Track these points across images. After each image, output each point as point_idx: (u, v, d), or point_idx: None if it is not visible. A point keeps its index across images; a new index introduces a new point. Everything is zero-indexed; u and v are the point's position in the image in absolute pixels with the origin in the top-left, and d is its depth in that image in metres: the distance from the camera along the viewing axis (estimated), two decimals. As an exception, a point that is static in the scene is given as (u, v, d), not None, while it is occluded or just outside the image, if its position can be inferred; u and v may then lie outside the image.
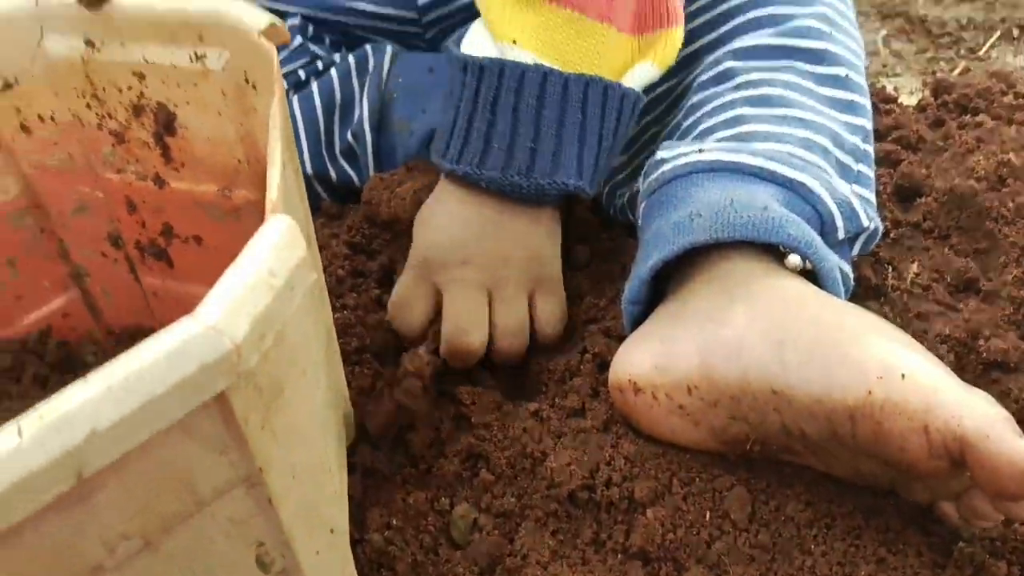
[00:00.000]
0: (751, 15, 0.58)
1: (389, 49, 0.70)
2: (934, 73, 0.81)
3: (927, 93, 0.75)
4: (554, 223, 0.55)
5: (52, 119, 0.50)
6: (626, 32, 0.52)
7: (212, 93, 0.44)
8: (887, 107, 0.72)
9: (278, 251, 0.27)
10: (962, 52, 0.85)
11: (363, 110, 0.69)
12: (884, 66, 0.83)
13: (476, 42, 0.53)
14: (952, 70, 0.82)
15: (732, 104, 0.55)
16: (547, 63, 0.50)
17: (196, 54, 0.44)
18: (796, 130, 0.53)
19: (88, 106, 0.49)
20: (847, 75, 0.55)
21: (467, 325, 0.53)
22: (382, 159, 0.70)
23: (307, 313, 0.29)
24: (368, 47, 0.70)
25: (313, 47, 0.71)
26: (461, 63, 0.52)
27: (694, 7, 0.60)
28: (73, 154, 0.51)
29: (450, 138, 0.53)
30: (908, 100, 0.76)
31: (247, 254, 0.26)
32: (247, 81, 0.43)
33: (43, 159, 0.52)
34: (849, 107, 0.55)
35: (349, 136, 0.70)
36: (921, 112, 0.72)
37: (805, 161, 0.51)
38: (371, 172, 0.70)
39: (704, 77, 0.58)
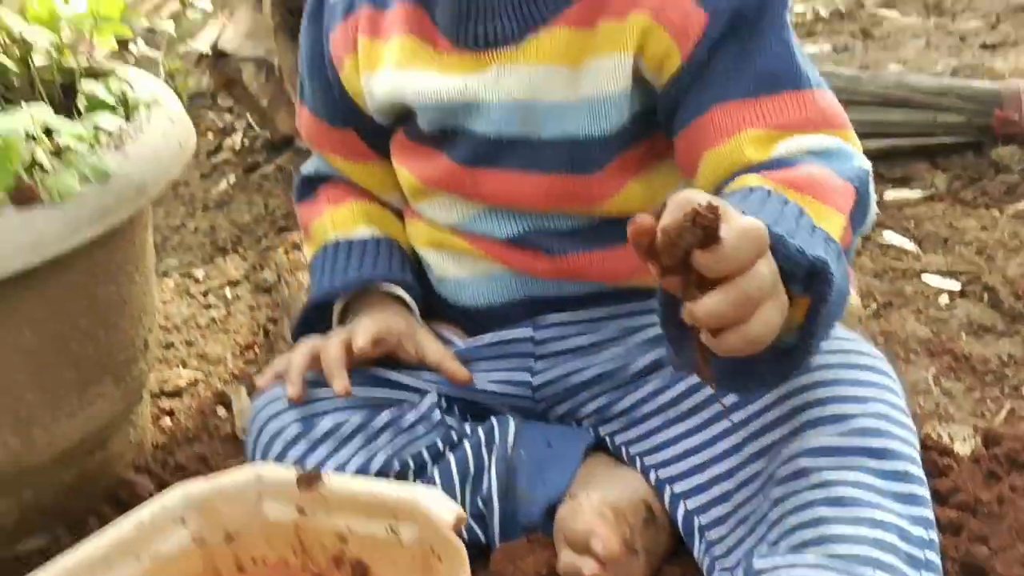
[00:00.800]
0: (816, 414, 0.69)
1: (512, 424, 0.83)
2: (983, 415, 0.92)
3: (978, 441, 0.85)
4: None
5: (263, 562, 0.63)
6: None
7: (403, 557, 0.56)
8: (944, 462, 0.82)
9: None
10: (1007, 390, 0.96)
11: (491, 480, 0.81)
12: (936, 405, 0.94)
13: None
14: (999, 411, 0.93)
15: (811, 504, 0.65)
16: None
17: (391, 527, 0.56)
18: (870, 530, 0.63)
19: (295, 553, 0.62)
20: (907, 470, 0.66)
21: None
22: (507, 524, 0.81)
23: None
24: (494, 420, 0.83)
25: (448, 419, 0.83)
26: None
27: (760, 405, 0.72)
28: (279, 589, 0.63)
29: None
30: (962, 448, 0.86)
31: None
32: (433, 552, 0.55)
33: (253, 590, 0.64)
34: (912, 500, 0.65)
35: (479, 502, 0.81)
36: (975, 463, 0.82)
37: (879, 561, 0.61)
38: (497, 536, 0.81)
39: (783, 472, 0.68)
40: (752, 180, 0.64)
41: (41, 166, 0.82)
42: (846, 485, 0.65)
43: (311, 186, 0.96)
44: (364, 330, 0.81)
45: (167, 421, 1.15)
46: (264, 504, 0.62)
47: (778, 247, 0.53)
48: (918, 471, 0.66)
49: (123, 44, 1.27)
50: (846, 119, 0.72)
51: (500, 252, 0.83)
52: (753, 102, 0.70)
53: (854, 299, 1.07)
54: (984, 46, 1.66)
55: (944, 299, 1.11)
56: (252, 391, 1.17)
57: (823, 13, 1.97)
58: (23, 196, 0.78)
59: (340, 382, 0.79)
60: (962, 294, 1.12)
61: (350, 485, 0.59)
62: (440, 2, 0.79)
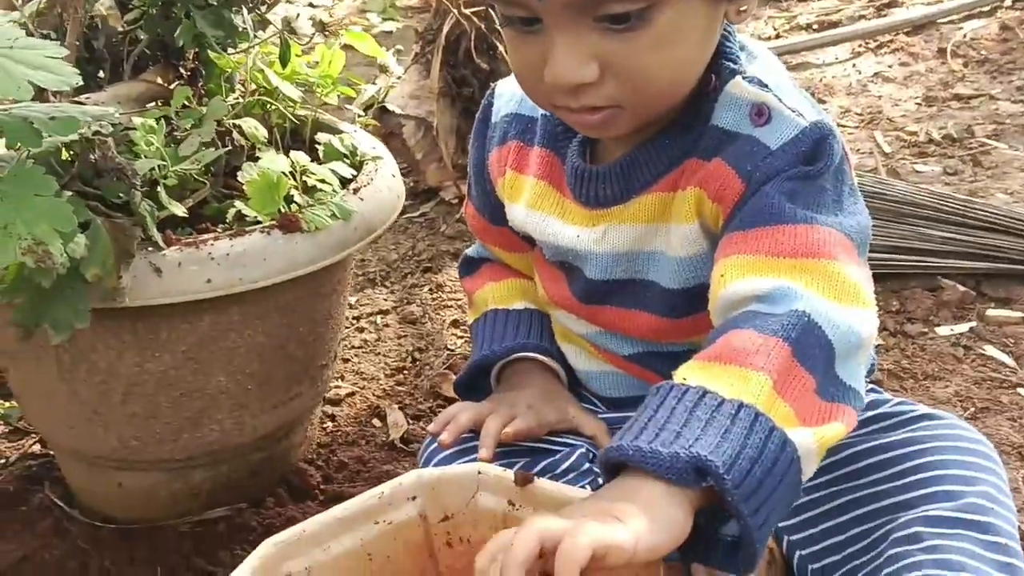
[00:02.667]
0: (931, 489, 0.81)
1: None
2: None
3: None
4: None
5: (468, 541, 0.78)
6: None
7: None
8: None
9: None
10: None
11: None
12: None
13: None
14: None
15: (921, 565, 0.78)
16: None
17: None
18: (972, 592, 0.75)
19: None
20: (1007, 543, 0.78)
21: None
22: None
23: None
24: None
25: (596, 470, 0.91)
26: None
27: (883, 474, 0.85)
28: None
29: None
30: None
31: None
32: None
33: (454, 564, 0.79)
34: (1011, 569, 0.77)
35: None
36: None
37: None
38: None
39: (898, 535, 0.81)
40: (679, 371, 0.69)
41: (295, 201, 1.00)
42: (953, 552, 0.76)
43: (474, 264, 1.07)
44: (522, 421, 0.88)
45: (329, 424, 1.32)
46: (480, 495, 0.77)
47: (644, 458, 0.61)
48: (1017, 546, 0.77)
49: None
50: (840, 254, 0.73)
51: (622, 364, 0.95)
52: (738, 235, 0.76)
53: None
54: (1086, 186, 1.78)
55: (1035, 411, 1.24)
56: (405, 409, 1.33)
57: (936, 136, 2.11)
58: (289, 224, 0.95)
59: (486, 452, 0.87)
60: (1052, 409, 1.24)
61: (558, 488, 0.74)
62: (570, 159, 0.87)
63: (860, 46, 2.74)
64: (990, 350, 1.37)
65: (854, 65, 2.63)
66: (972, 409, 1.24)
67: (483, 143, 0.97)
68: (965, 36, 2.66)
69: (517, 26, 0.76)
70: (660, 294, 0.87)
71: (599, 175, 0.85)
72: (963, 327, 1.41)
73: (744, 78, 0.80)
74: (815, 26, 2.95)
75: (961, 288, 1.48)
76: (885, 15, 2.92)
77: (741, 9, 0.78)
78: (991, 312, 1.44)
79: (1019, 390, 1.27)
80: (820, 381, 0.67)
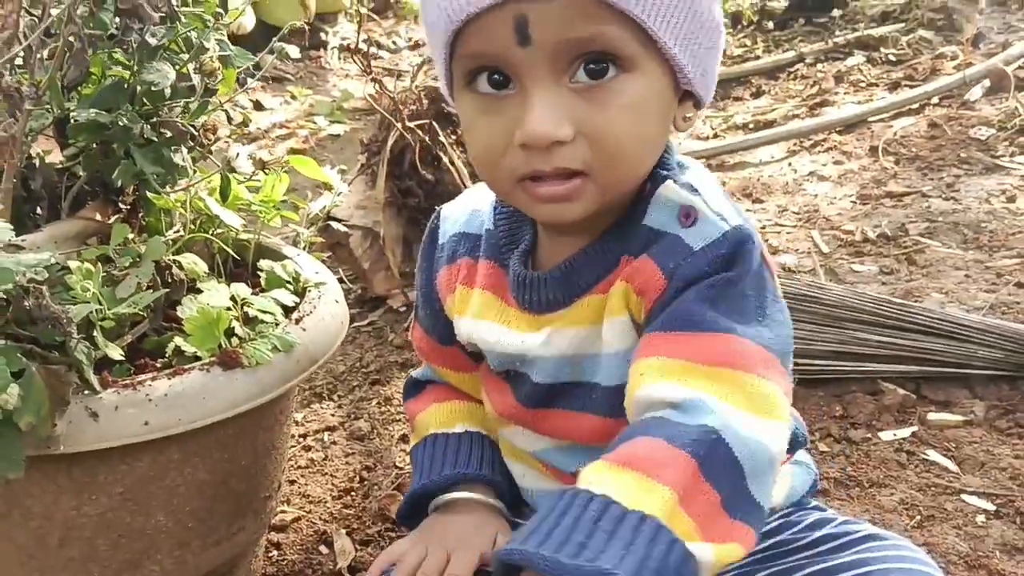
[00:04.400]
0: None
1: None
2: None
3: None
4: None
5: None
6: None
7: None
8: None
9: None
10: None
11: None
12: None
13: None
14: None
15: None
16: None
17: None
18: None
19: None
20: None
21: None
22: None
23: None
24: None
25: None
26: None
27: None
28: None
29: None
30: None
31: None
32: None
33: None
34: None
35: None
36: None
37: None
38: None
39: None
40: (583, 474, 0.69)
41: (236, 334, 0.99)
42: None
43: (419, 387, 1.08)
44: (461, 565, 0.88)
45: (275, 553, 1.29)
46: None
47: (548, 567, 0.62)
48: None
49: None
50: (759, 367, 0.74)
51: (569, 480, 0.92)
52: (658, 336, 0.77)
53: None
54: (1019, 284, 1.84)
55: (981, 518, 1.25)
56: (353, 534, 1.31)
57: (871, 234, 2.16)
58: (229, 360, 0.95)
59: None
60: (997, 515, 1.26)
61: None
62: (513, 269, 0.90)
63: (795, 145, 2.83)
64: (933, 455, 1.38)
65: (790, 164, 2.71)
66: (918, 518, 1.25)
67: (431, 264, 0.99)
68: (895, 134, 2.77)
69: (486, 93, 0.77)
70: (602, 394, 0.87)
71: (541, 281, 0.87)
72: (905, 431, 1.43)
73: (676, 182, 0.83)
74: (751, 125, 3.05)
75: (901, 391, 1.50)
76: (818, 114, 3.03)
77: (687, 116, 0.83)
78: (932, 416, 1.46)
79: (963, 496, 1.29)
80: (726, 497, 0.68)
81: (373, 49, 3.91)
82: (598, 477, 0.68)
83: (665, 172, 0.84)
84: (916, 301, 1.72)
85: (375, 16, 4.83)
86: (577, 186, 0.77)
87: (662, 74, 0.77)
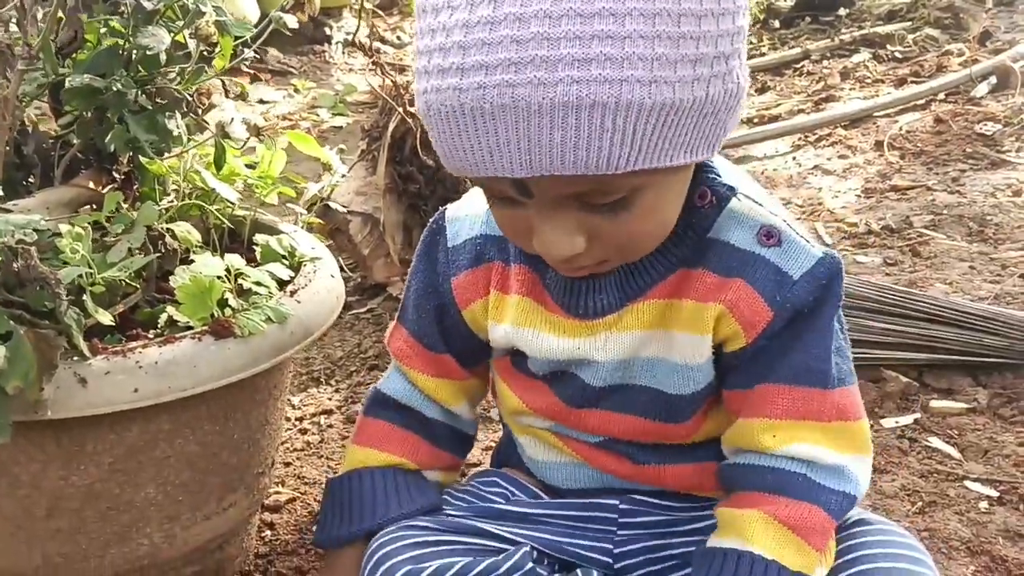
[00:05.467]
0: None
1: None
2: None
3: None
4: None
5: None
6: None
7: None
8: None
9: None
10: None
11: None
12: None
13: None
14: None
15: None
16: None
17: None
18: None
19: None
20: None
21: None
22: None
23: None
24: (579, 572, 0.93)
25: (539, 569, 0.90)
26: None
27: None
28: None
29: None
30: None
31: None
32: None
33: None
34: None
35: None
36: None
37: None
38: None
39: None
40: (750, 523, 0.82)
41: (229, 305, 0.98)
42: None
43: (380, 409, 1.02)
44: None
45: (268, 533, 1.27)
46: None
47: None
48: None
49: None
50: (860, 412, 0.85)
51: (589, 453, 0.95)
52: (786, 390, 0.82)
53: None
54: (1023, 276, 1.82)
55: (984, 504, 1.23)
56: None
57: (875, 227, 2.15)
58: (221, 329, 0.93)
59: None
60: (1000, 501, 1.24)
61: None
62: (551, 276, 0.87)
63: (800, 139, 2.81)
64: (935, 442, 1.37)
65: (794, 158, 2.70)
66: (920, 504, 1.23)
67: (433, 267, 0.95)
68: (901, 129, 2.75)
69: (503, 202, 0.75)
70: (655, 399, 0.88)
71: (593, 287, 0.85)
72: (907, 419, 1.42)
73: (743, 195, 0.83)
74: (756, 120, 3.03)
75: (904, 379, 1.49)
76: (823, 109, 3.02)
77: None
78: (935, 403, 1.44)
79: (965, 483, 1.27)
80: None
81: (377, 44, 3.91)
82: (762, 535, 0.81)
83: (712, 175, 0.82)
84: (920, 291, 1.71)
85: (380, 12, 4.82)
86: (596, 268, 0.79)
87: (674, 171, 0.72)
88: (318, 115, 3.39)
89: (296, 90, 3.72)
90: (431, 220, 0.96)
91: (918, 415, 1.43)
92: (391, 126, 1.92)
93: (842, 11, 4.05)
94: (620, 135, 0.64)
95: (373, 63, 1.78)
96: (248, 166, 1.24)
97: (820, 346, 0.82)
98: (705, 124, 0.69)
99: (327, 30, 4.25)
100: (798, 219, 2.25)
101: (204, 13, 0.93)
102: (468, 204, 0.95)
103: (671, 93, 0.64)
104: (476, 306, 0.93)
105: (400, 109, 1.86)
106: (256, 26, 1.13)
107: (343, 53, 4.22)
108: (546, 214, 0.72)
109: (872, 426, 1.41)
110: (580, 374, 0.89)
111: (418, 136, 1.88)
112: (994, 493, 1.25)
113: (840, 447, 0.83)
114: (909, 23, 3.75)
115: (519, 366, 0.95)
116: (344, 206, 1.93)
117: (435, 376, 0.99)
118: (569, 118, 0.63)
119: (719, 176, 0.82)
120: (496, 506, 0.97)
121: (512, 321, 0.90)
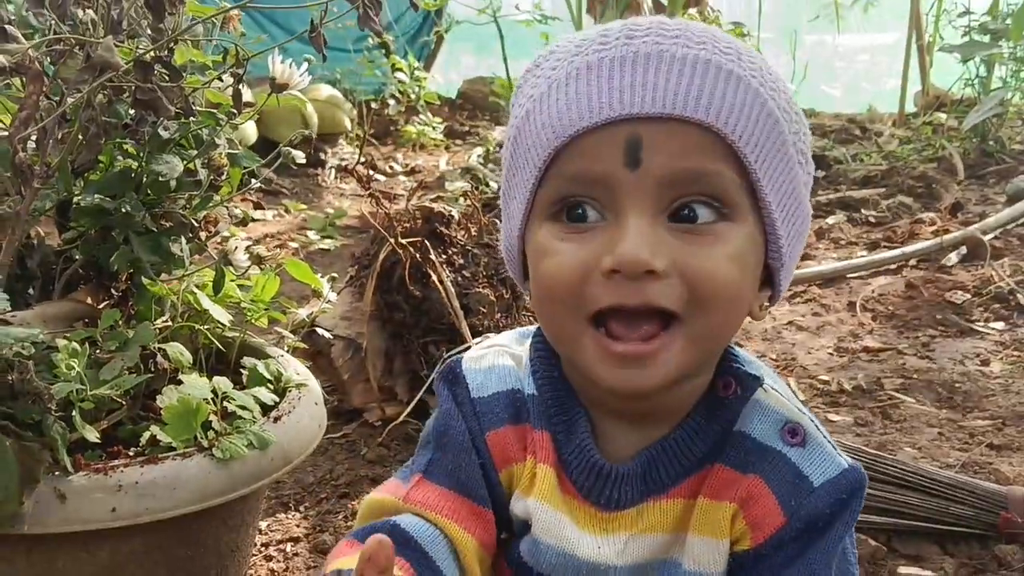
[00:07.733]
0: None
1: None
2: None
3: None
4: None
5: None
6: None
7: None
8: None
9: None
10: None
11: None
12: None
13: None
14: None
15: None
16: None
17: None
18: None
19: None
20: None
21: None
22: None
23: None
24: None
25: None
26: None
27: None
28: None
29: None
30: None
31: None
32: None
33: None
34: None
35: None
36: None
37: None
38: None
39: None
40: None
41: (213, 428, 0.99)
42: None
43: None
44: None
45: (224, 664, 1.24)
46: None
47: None
48: None
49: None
50: None
51: None
52: None
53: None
54: (991, 446, 1.85)
55: None
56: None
57: (847, 386, 2.19)
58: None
59: None
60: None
61: None
62: (574, 462, 0.80)
63: (776, 294, 2.88)
64: (904, 613, 1.37)
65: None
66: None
67: (463, 415, 0.83)
68: (873, 292, 2.82)
69: (574, 223, 0.71)
70: None
71: (618, 476, 0.79)
72: (876, 584, 1.42)
73: (770, 387, 0.80)
74: (734, 272, 3.10)
75: (873, 543, 1.49)
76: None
77: (763, 304, 0.78)
78: (902, 570, 1.45)
79: (932, 654, 1.27)
80: None
81: (370, 171, 4.02)
82: None
83: (737, 365, 0.79)
84: (890, 454, 1.73)
85: (374, 141, 4.97)
86: (664, 342, 0.70)
87: (758, 234, 0.73)
88: (307, 236, 3.45)
89: (287, 210, 3.79)
90: (441, 371, 0.87)
91: (886, 581, 1.43)
92: (381, 255, 1.96)
93: (819, 173, 4.20)
94: (741, 109, 0.70)
95: (369, 194, 1.83)
96: (241, 288, 1.27)
97: (822, 563, 0.77)
98: (793, 196, 0.75)
99: (322, 155, 4.37)
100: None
101: (218, 145, 0.97)
102: (492, 356, 0.86)
103: (781, 124, 0.72)
104: (513, 470, 0.83)
105: (391, 240, 1.91)
106: (253, 147, 1.17)
107: (336, 178, 4.32)
108: (638, 217, 0.68)
109: (840, 589, 1.41)
110: None
111: (407, 267, 1.92)
112: (960, 665, 1.25)
113: None
114: (883, 189, 3.90)
115: (509, 558, 0.86)
116: (329, 329, 1.95)
117: (448, 518, 0.81)
118: (709, 73, 0.69)
119: (743, 366, 0.80)
120: None
121: (540, 496, 0.81)
